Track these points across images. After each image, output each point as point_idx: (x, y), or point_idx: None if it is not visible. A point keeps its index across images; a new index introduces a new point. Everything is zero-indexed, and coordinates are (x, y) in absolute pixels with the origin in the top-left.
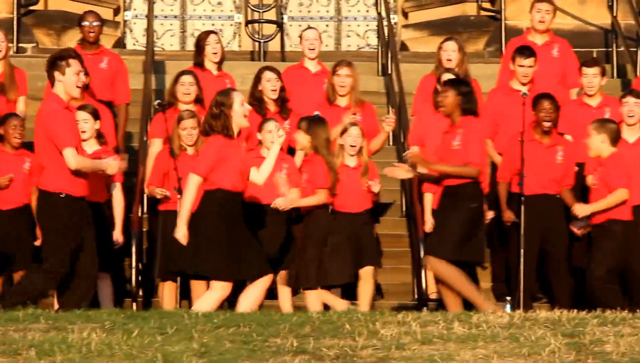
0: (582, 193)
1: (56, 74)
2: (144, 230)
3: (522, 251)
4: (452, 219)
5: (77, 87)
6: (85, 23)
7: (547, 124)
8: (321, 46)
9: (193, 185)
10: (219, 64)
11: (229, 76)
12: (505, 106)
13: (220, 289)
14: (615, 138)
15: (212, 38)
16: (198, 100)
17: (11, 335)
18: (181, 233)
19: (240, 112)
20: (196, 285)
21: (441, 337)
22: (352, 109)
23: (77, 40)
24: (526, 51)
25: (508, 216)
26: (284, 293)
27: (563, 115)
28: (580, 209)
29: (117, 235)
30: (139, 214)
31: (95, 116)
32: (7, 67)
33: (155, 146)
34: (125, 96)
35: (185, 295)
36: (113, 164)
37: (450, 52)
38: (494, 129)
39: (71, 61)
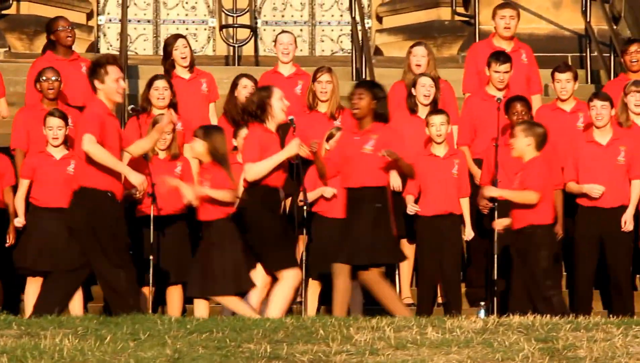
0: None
1: (95, 82)
2: None
3: (495, 256)
4: (360, 222)
5: (118, 93)
6: (61, 28)
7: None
8: (296, 51)
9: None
10: (190, 67)
11: (207, 75)
12: (482, 112)
13: (291, 277)
14: (541, 143)
15: (179, 42)
16: (171, 105)
17: None
18: None
19: (278, 106)
20: (172, 291)
21: (415, 342)
22: (338, 118)
23: (45, 46)
24: (502, 56)
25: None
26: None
27: (536, 120)
28: (489, 191)
29: None
30: None
31: (66, 121)
32: None
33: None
34: None
35: (159, 301)
36: (136, 177)
37: (420, 57)
38: (470, 135)
39: (109, 67)
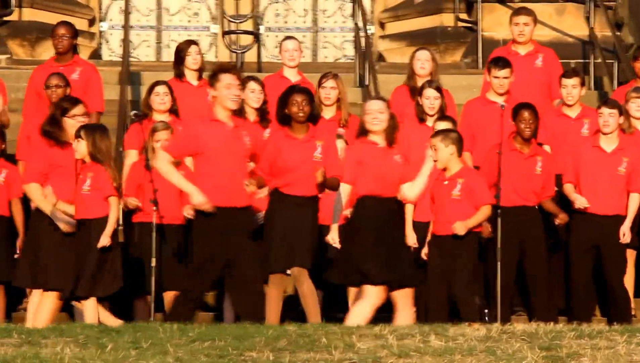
0: (562, 203)
1: (210, 90)
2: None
3: (498, 264)
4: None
5: (229, 100)
6: (54, 35)
7: (527, 134)
8: (301, 56)
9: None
10: (199, 74)
11: None
12: (482, 117)
13: (374, 295)
14: (461, 147)
15: (192, 49)
16: (173, 110)
17: None
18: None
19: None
20: (170, 296)
21: (418, 350)
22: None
23: (54, 52)
24: (500, 62)
25: (486, 228)
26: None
27: (542, 125)
28: (459, 229)
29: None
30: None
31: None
32: None
33: (131, 157)
34: (97, 105)
35: (159, 308)
36: (198, 197)
37: (424, 61)
38: (470, 141)
39: (221, 75)
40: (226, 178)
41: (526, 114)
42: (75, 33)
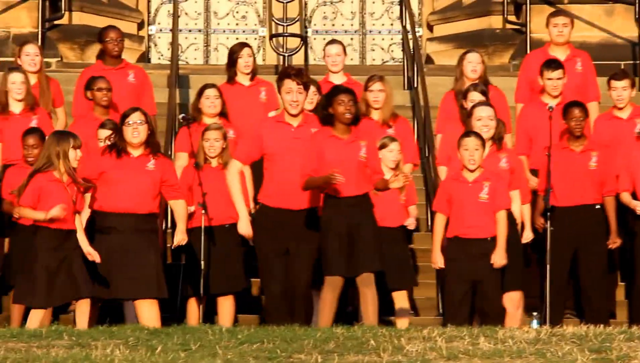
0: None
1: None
2: (168, 246)
3: (548, 266)
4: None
5: (290, 105)
6: (108, 39)
7: (578, 132)
8: (345, 59)
9: None
10: (252, 76)
11: (267, 83)
12: (537, 121)
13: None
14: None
15: (245, 51)
16: (222, 114)
17: (34, 351)
18: None
19: None
20: (222, 301)
21: (467, 352)
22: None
23: (96, 55)
24: (553, 63)
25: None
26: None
27: (594, 130)
28: (500, 261)
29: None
30: (163, 229)
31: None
32: (43, 80)
33: (181, 160)
34: (151, 108)
35: (210, 312)
36: (243, 226)
37: (475, 63)
38: (527, 145)
39: (285, 80)
40: (288, 179)
41: (576, 111)
42: (123, 36)
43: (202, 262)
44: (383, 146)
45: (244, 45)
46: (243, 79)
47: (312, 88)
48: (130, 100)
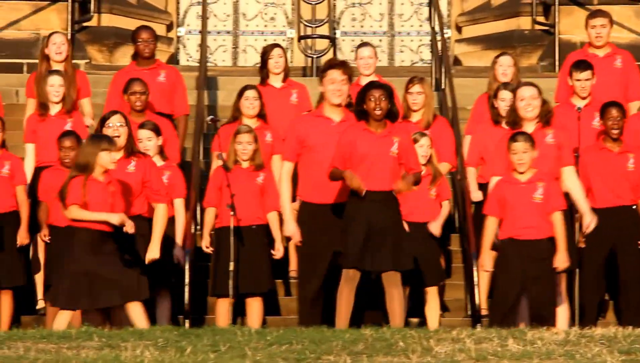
0: None
1: (321, 86)
2: (198, 246)
3: (577, 269)
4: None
5: (333, 94)
6: (139, 41)
7: (615, 133)
8: (376, 62)
9: None
10: (284, 77)
11: (298, 85)
12: (567, 121)
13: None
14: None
15: (275, 52)
16: (261, 115)
17: (64, 352)
18: None
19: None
20: (251, 303)
21: (495, 354)
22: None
23: (131, 56)
24: (582, 64)
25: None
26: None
27: (627, 128)
28: (563, 263)
29: (177, 251)
30: (192, 230)
31: (157, 132)
32: (69, 69)
33: (215, 161)
34: (184, 108)
35: (237, 313)
36: (290, 228)
37: (506, 67)
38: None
39: (327, 71)
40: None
41: (614, 112)
42: (156, 38)
43: (232, 263)
44: (413, 141)
45: (275, 45)
46: (275, 80)
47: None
48: (161, 100)
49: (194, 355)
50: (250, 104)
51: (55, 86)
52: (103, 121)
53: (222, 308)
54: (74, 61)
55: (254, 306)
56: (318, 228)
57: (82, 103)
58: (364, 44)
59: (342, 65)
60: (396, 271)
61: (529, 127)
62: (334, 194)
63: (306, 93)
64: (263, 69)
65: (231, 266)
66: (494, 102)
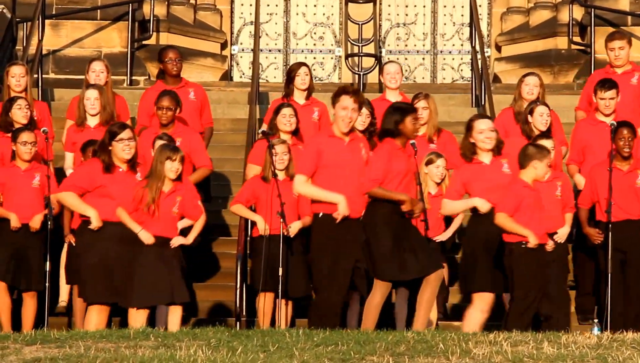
0: None
1: (333, 108)
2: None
3: (609, 274)
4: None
5: (343, 121)
6: (167, 60)
7: (626, 152)
8: (402, 79)
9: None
10: (308, 95)
11: (320, 104)
12: (591, 136)
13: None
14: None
15: (302, 70)
16: (295, 131)
17: (122, 351)
18: None
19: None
20: (282, 304)
21: (531, 356)
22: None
23: (156, 75)
24: (607, 83)
25: (593, 233)
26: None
27: (637, 145)
28: (563, 237)
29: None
30: (244, 237)
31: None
32: (108, 94)
33: (253, 170)
34: (210, 121)
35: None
36: (343, 206)
37: (532, 86)
38: (580, 156)
39: (341, 96)
40: (344, 192)
41: (625, 132)
42: (182, 56)
43: (281, 269)
44: (430, 162)
45: (301, 64)
46: (299, 97)
47: (365, 111)
48: (193, 116)
49: (245, 355)
50: (287, 121)
51: (91, 99)
52: (114, 135)
53: (268, 305)
54: (133, 78)
55: (283, 309)
56: (342, 242)
57: None
58: (390, 62)
59: (355, 93)
60: (438, 274)
61: (485, 158)
62: (352, 209)
63: (327, 111)
64: (289, 85)
65: (280, 272)
66: (528, 117)
